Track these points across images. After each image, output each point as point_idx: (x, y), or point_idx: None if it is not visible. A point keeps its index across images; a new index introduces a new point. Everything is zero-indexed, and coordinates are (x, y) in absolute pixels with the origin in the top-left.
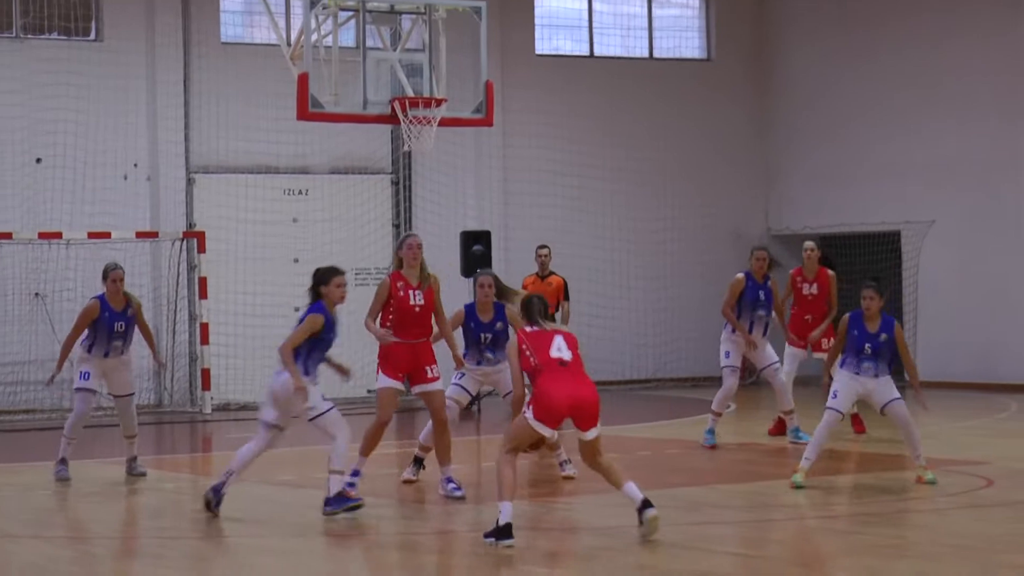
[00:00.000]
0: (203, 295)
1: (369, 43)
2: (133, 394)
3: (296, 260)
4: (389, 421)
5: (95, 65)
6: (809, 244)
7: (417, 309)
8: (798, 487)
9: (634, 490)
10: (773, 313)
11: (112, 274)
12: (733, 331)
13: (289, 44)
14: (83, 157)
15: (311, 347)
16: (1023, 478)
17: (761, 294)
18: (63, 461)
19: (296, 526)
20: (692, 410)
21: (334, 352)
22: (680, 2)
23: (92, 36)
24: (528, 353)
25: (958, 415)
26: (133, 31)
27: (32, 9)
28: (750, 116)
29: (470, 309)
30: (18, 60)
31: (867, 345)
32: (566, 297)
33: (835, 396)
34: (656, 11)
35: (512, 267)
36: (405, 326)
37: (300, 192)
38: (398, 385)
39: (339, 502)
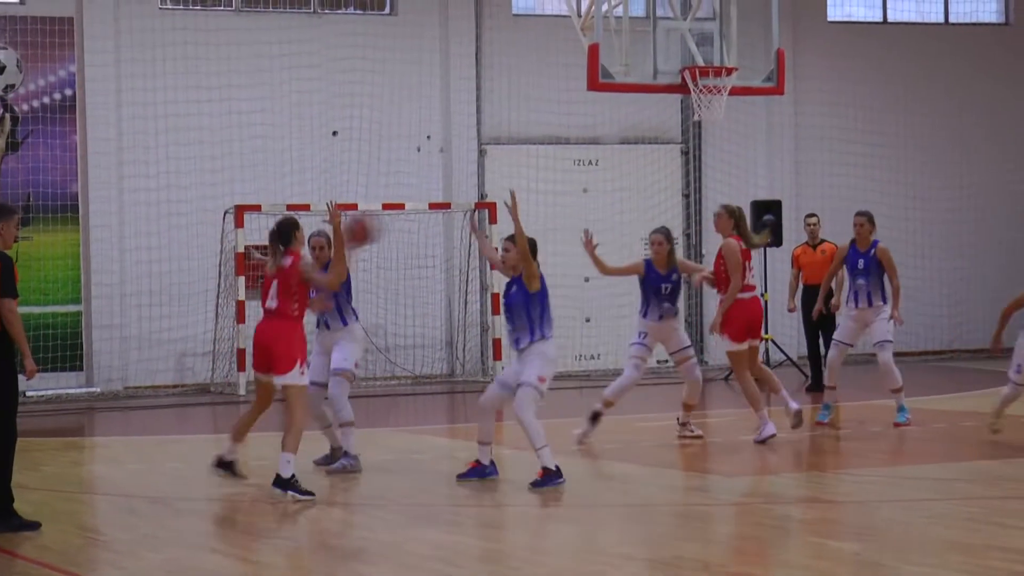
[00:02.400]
0: (493, 266)
1: (659, 12)
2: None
3: (587, 230)
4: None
5: (390, 39)
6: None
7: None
8: None
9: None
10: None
11: (314, 240)
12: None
13: (580, 15)
14: (378, 130)
15: None
16: None
17: (861, 262)
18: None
19: (583, 495)
20: (988, 382)
21: None
22: None
23: (387, 10)
24: None
25: None
26: (427, 4)
27: None
28: None
29: (649, 264)
30: (315, 35)
31: None
32: None
33: None
34: None
35: (802, 236)
36: None
37: (590, 163)
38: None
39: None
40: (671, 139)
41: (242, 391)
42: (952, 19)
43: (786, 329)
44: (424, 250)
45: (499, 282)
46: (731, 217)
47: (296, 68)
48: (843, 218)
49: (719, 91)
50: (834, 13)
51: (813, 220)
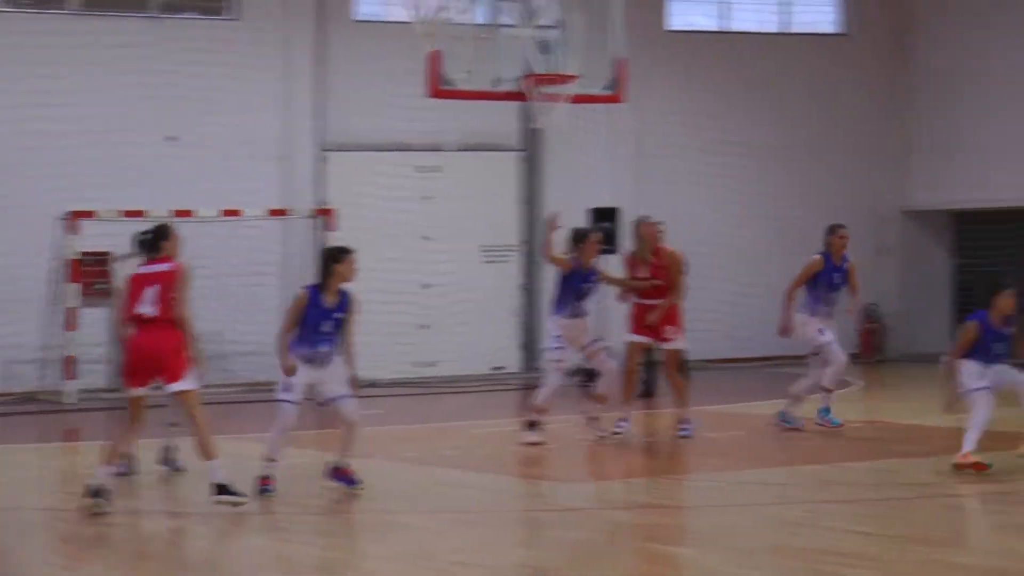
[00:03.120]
0: None
1: (501, 20)
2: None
3: (426, 237)
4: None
5: (230, 44)
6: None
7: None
8: None
9: None
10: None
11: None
12: (812, 315)
13: (422, 22)
14: (217, 135)
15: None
16: None
17: (836, 276)
18: None
19: (420, 503)
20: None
21: None
22: None
23: (228, 15)
24: None
25: None
26: (268, 10)
27: None
28: (886, 91)
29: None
30: (155, 39)
31: None
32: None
33: None
34: None
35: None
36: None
37: (432, 169)
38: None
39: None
40: (512, 146)
41: (71, 399)
42: (791, 28)
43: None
44: (262, 256)
45: None
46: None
47: (135, 72)
48: (680, 225)
49: (560, 99)
50: (675, 22)
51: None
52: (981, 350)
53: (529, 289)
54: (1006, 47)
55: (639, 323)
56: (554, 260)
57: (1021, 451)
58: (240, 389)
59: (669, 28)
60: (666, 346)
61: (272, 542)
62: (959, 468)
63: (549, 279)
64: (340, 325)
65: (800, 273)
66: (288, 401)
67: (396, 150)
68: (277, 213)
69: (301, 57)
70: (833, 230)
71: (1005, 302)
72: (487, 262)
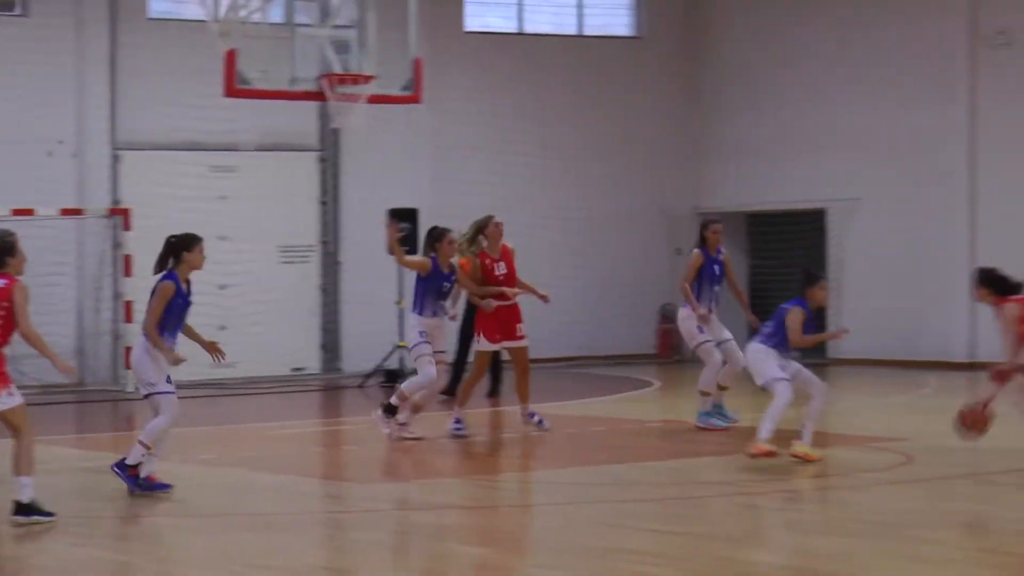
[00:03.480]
0: (128, 273)
1: (297, 19)
2: None
3: (223, 237)
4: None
5: (20, 40)
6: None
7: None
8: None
9: None
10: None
11: None
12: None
13: (217, 20)
14: (7, 133)
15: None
16: (943, 454)
17: (716, 268)
18: None
19: (216, 505)
20: (620, 387)
21: None
22: None
23: (18, 11)
24: None
25: (880, 392)
26: (59, 7)
27: None
28: (679, 94)
29: (435, 262)
30: None
31: None
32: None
33: None
34: None
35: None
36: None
37: (227, 169)
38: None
39: (144, 485)
40: (309, 146)
41: None
42: (586, 31)
43: None
44: (55, 256)
45: (133, 290)
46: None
47: None
48: None
49: (357, 99)
50: (472, 23)
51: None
52: (786, 342)
53: (328, 290)
54: (794, 52)
55: (492, 330)
56: (409, 264)
57: (794, 451)
58: (34, 391)
59: (467, 29)
60: (517, 344)
61: (67, 547)
62: (754, 457)
63: (348, 279)
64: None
65: (687, 269)
66: (169, 392)
67: (192, 149)
68: (71, 212)
69: (94, 55)
70: (706, 225)
71: (820, 294)
72: (285, 262)
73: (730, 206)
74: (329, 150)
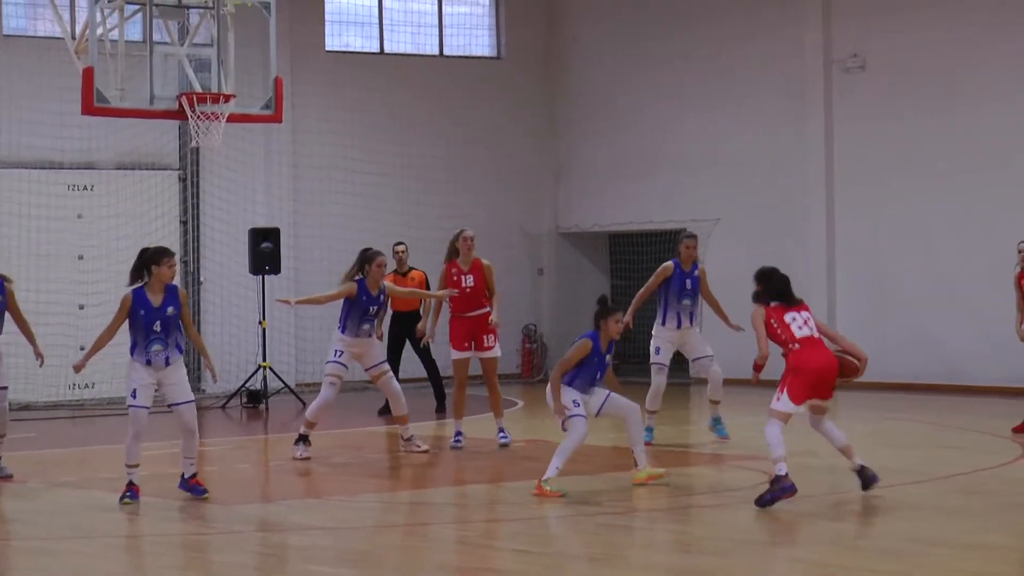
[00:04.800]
0: None
1: (156, 37)
2: (5, 388)
3: (81, 257)
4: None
5: None
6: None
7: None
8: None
9: None
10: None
11: None
12: (664, 325)
13: (74, 37)
14: None
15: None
16: (805, 473)
17: (688, 282)
18: None
19: (77, 527)
20: (483, 407)
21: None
22: (470, 0)
23: None
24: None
25: (741, 411)
26: None
27: None
28: (539, 114)
29: (362, 284)
30: None
31: None
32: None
33: None
34: (446, 8)
35: (301, 264)
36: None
37: (85, 188)
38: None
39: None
40: (169, 165)
41: None
42: (447, 52)
43: (283, 357)
44: None
45: None
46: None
47: None
48: (340, 245)
49: (217, 118)
50: (332, 43)
51: (401, 248)
52: (588, 372)
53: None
54: (653, 72)
55: (459, 338)
56: (333, 298)
57: (636, 479)
58: None
59: (328, 49)
60: (486, 355)
61: None
62: (537, 496)
63: (210, 299)
64: (172, 323)
65: (651, 279)
66: (137, 406)
67: (49, 168)
68: None
69: None
70: (680, 240)
71: (614, 326)
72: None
73: (591, 226)
74: (189, 169)
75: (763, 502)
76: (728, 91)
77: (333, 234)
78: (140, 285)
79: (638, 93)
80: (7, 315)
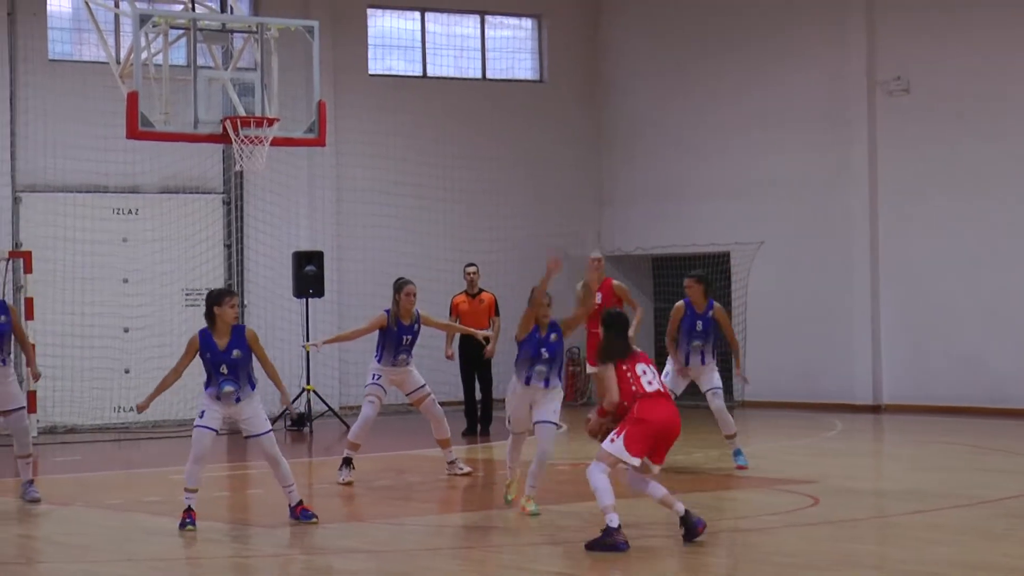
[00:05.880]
0: (29, 316)
1: (200, 62)
2: (23, 408)
3: (126, 280)
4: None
5: None
6: None
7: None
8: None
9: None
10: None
11: None
12: (676, 358)
13: (119, 62)
14: None
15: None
16: (849, 496)
17: (699, 323)
18: None
19: (122, 550)
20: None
21: None
22: (513, 24)
23: None
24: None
25: (786, 434)
26: None
27: None
28: (582, 137)
29: (390, 313)
30: None
31: None
32: (496, 313)
33: None
34: (489, 32)
35: (344, 287)
36: None
37: (130, 211)
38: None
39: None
40: (213, 189)
41: None
42: (489, 75)
43: (327, 380)
44: None
45: (34, 333)
46: None
47: None
48: (384, 269)
49: (260, 141)
50: (375, 66)
51: (472, 269)
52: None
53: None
54: (697, 96)
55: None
56: (362, 334)
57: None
58: None
59: (371, 72)
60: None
61: None
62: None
63: (254, 323)
64: (240, 364)
65: (669, 323)
66: (202, 426)
67: (93, 191)
68: None
69: None
70: (687, 280)
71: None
72: (190, 305)
73: (634, 249)
74: (233, 192)
75: (591, 546)
76: (771, 113)
77: (376, 257)
78: (207, 327)
79: (681, 116)
80: (12, 340)
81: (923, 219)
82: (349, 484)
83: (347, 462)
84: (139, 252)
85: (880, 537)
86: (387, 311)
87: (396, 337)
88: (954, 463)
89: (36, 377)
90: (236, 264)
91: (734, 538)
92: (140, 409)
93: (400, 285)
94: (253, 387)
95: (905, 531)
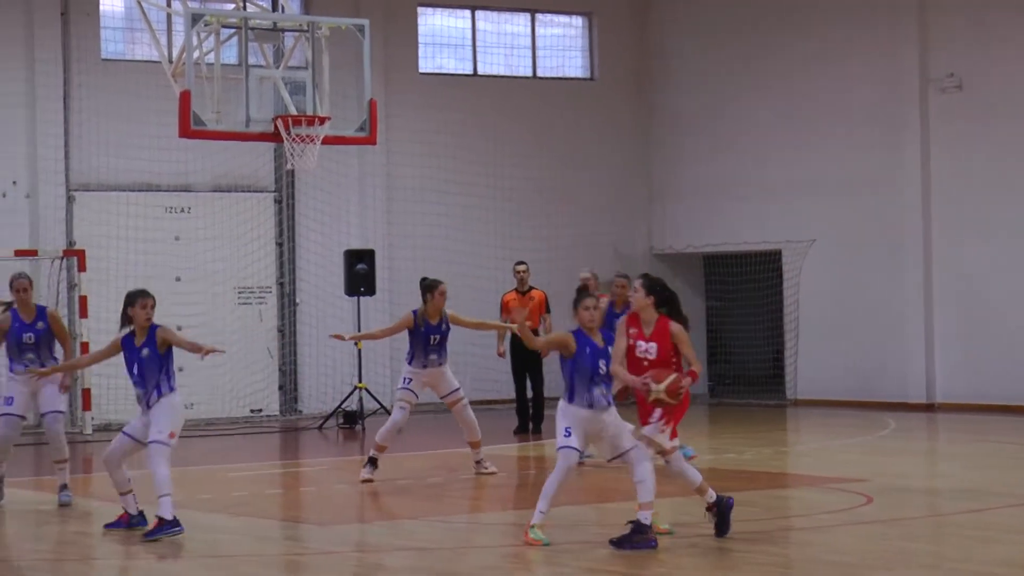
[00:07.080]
0: (83, 314)
1: (252, 60)
2: (59, 412)
3: (178, 279)
4: None
5: None
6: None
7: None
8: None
9: None
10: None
11: (16, 283)
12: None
13: (171, 61)
14: None
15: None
16: (902, 495)
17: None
18: None
19: (175, 546)
20: None
21: None
22: (563, 22)
23: None
24: None
25: (838, 433)
26: (12, 47)
27: None
28: (633, 135)
29: (417, 314)
30: None
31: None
32: (547, 310)
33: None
34: (539, 30)
35: (395, 285)
36: None
37: (182, 210)
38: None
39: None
40: (264, 187)
41: None
42: (540, 73)
43: (379, 378)
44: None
45: (88, 331)
46: None
47: None
48: (434, 267)
49: (312, 140)
50: (426, 65)
51: (522, 267)
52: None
53: (285, 331)
54: (748, 94)
55: None
56: (388, 333)
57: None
58: None
59: (421, 71)
60: None
61: None
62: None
63: (305, 320)
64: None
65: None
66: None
67: (146, 190)
68: (24, 253)
69: (46, 94)
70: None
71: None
72: (242, 303)
73: (685, 247)
74: (284, 191)
75: (619, 543)
76: (823, 112)
77: (426, 255)
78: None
79: (731, 114)
80: (55, 344)
81: (976, 217)
82: (369, 481)
83: (372, 461)
84: (191, 250)
85: (934, 536)
86: (414, 312)
87: (424, 337)
88: (1008, 461)
89: (65, 388)
90: (288, 262)
91: (788, 536)
92: (39, 375)
93: (432, 284)
94: (159, 393)
95: (959, 530)
